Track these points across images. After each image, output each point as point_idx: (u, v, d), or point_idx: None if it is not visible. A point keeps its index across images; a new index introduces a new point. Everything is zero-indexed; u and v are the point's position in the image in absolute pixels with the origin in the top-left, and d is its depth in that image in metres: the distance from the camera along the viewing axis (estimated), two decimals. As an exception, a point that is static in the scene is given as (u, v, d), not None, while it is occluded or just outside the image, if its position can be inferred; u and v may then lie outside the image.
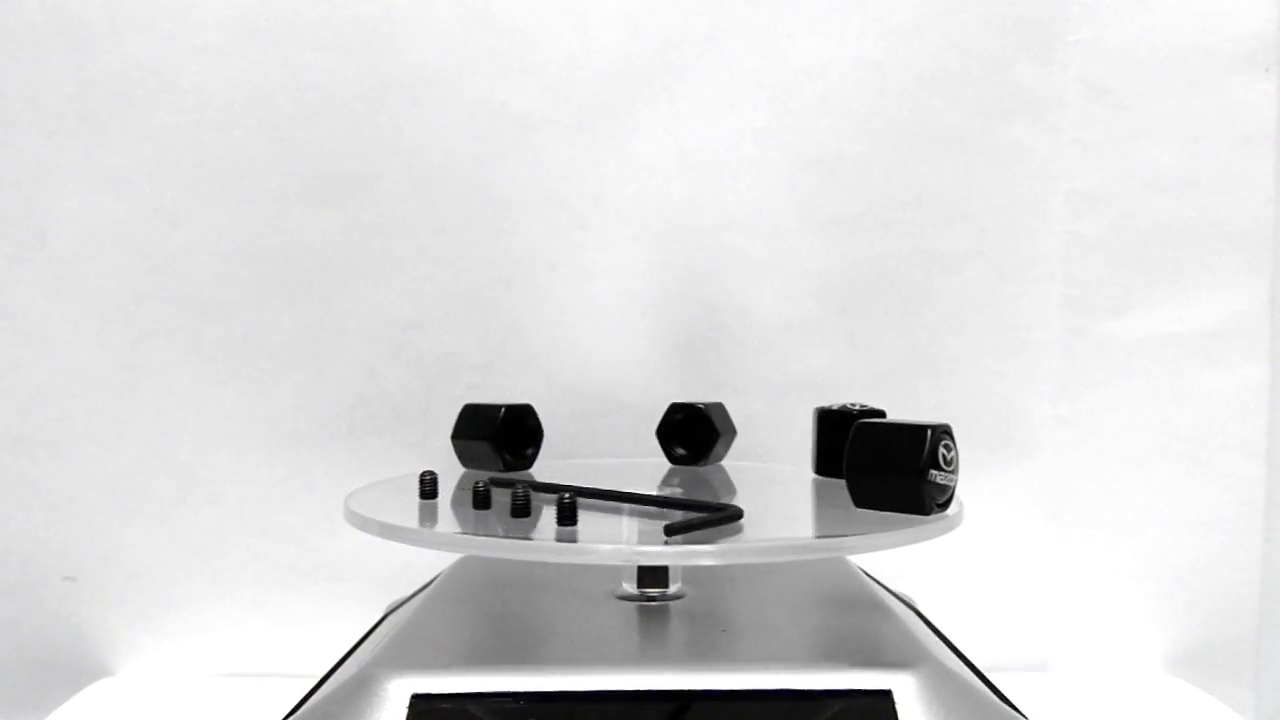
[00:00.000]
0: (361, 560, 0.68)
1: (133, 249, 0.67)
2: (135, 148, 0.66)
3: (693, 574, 0.49)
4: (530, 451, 0.57)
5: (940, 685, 0.38)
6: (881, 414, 0.55)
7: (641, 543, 0.40)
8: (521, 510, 0.43)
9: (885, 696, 0.38)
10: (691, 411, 0.59)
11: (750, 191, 0.67)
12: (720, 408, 0.60)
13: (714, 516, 0.42)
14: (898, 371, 0.68)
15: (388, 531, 0.42)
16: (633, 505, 0.46)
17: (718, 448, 0.59)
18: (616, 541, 0.41)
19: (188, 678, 0.69)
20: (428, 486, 0.47)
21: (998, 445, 0.68)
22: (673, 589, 0.47)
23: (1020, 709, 0.41)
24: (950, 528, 0.43)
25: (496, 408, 0.55)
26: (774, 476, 0.57)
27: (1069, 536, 0.69)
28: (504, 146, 0.67)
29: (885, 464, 0.42)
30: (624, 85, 0.67)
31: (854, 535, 0.40)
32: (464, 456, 0.56)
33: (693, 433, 0.59)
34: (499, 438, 0.55)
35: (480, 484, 0.45)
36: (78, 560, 0.69)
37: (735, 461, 0.60)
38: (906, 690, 0.38)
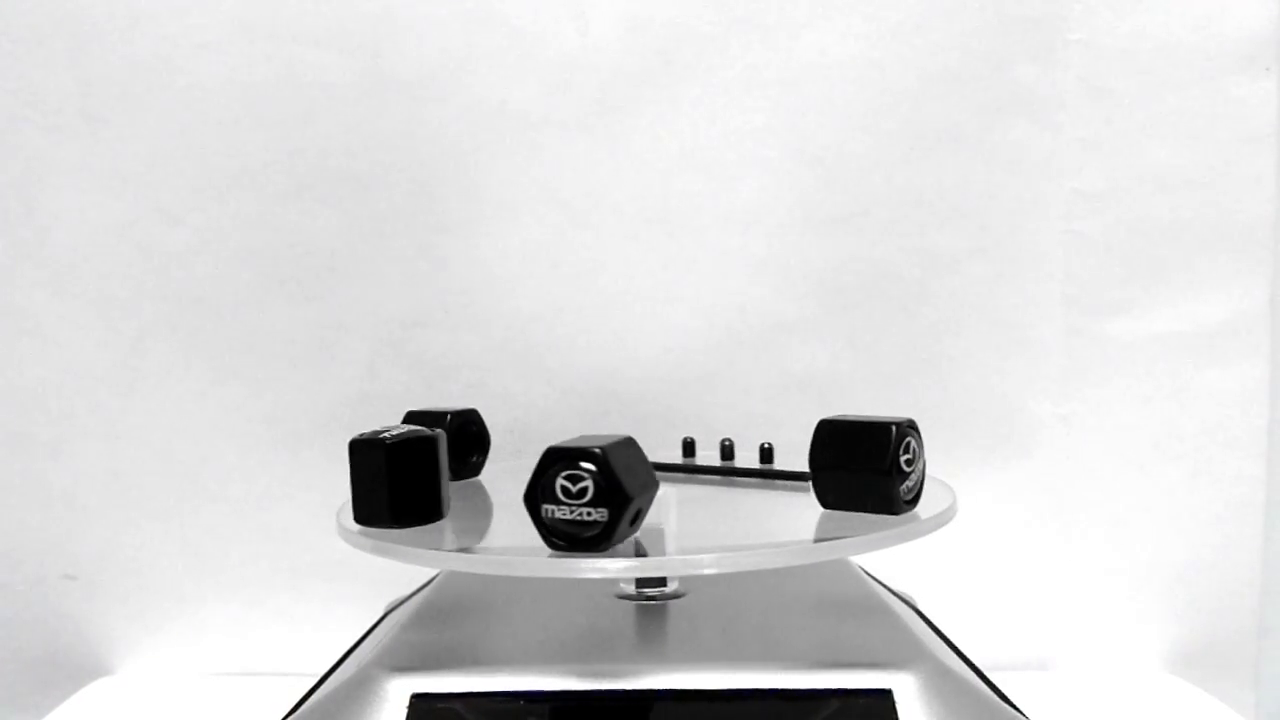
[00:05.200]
0: (361, 560, 0.67)
1: (133, 248, 0.67)
2: (135, 146, 0.66)
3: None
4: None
5: (940, 684, 0.38)
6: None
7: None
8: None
9: (885, 696, 0.38)
10: None
11: (750, 190, 0.67)
12: None
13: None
14: (898, 371, 0.68)
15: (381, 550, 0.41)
16: None
17: None
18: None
19: (187, 677, 0.69)
20: None
21: (998, 445, 0.68)
22: (672, 588, 0.47)
23: (1020, 708, 0.41)
24: (945, 521, 0.43)
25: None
26: None
27: (1069, 536, 0.69)
28: (504, 145, 0.67)
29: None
30: (624, 84, 0.67)
31: (850, 537, 0.40)
32: None
33: None
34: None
35: None
36: (78, 559, 0.69)
37: None
38: (907, 689, 0.38)
